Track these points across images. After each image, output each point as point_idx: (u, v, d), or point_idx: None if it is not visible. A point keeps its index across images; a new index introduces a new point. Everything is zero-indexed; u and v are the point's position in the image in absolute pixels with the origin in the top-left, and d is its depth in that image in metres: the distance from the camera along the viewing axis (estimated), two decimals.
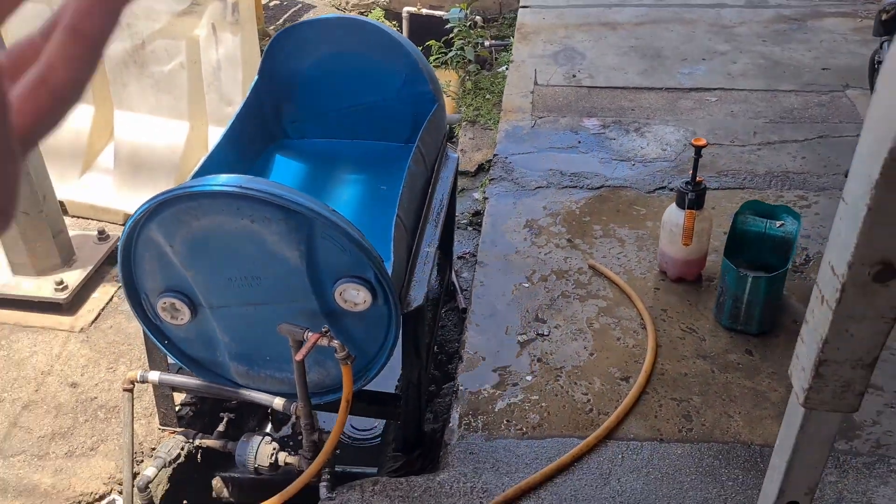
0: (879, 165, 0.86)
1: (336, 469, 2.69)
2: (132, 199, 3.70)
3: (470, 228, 4.37)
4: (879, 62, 3.61)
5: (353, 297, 2.35)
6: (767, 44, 5.41)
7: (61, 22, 0.40)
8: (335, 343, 2.30)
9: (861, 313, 0.96)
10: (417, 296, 2.61)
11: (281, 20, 6.46)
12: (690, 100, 4.74)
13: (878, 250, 0.91)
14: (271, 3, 6.75)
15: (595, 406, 2.73)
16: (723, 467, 2.49)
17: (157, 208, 2.25)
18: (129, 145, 3.94)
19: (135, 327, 3.24)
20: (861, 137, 0.92)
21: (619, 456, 2.54)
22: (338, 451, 3.26)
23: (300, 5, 6.82)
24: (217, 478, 3.13)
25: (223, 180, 2.21)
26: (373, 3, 7.06)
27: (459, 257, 4.09)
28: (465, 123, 5.27)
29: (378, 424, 3.48)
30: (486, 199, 3.97)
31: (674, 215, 3.15)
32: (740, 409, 2.70)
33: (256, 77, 3.29)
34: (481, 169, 4.79)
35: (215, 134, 3.74)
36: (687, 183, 3.08)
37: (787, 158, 4.12)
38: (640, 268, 3.38)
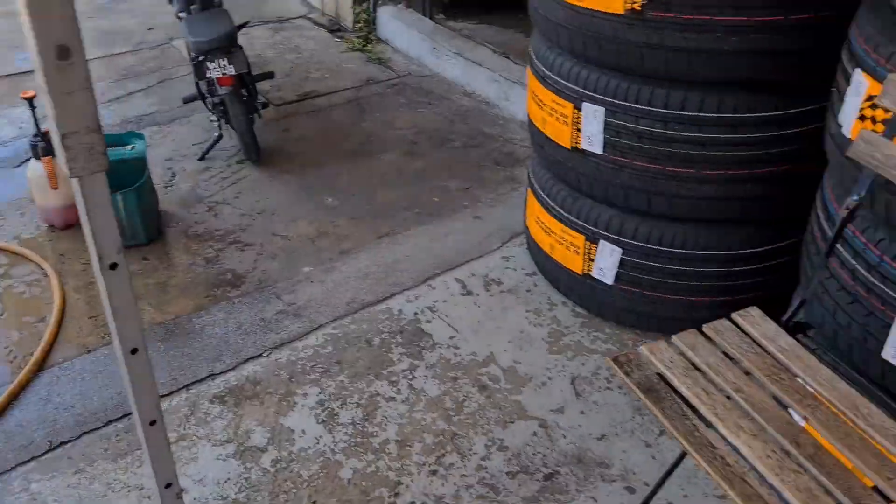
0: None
1: None
2: None
3: None
4: (179, 15, 4.23)
5: None
6: (95, 19, 5.77)
7: None
8: None
9: (67, 87, 1.37)
10: None
11: None
12: (34, 82, 4.86)
13: (53, 38, 1.32)
14: None
15: (18, 353, 2.86)
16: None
17: None
18: None
19: None
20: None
21: (55, 378, 2.74)
22: None
23: None
24: None
25: None
26: None
27: None
28: None
29: None
30: None
31: (37, 168, 3.35)
32: (150, 301, 3.11)
33: None
34: None
35: None
36: (35, 135, 3.30)
37: (136, 106, 4.58)
38: (27, 230, 3.51)
